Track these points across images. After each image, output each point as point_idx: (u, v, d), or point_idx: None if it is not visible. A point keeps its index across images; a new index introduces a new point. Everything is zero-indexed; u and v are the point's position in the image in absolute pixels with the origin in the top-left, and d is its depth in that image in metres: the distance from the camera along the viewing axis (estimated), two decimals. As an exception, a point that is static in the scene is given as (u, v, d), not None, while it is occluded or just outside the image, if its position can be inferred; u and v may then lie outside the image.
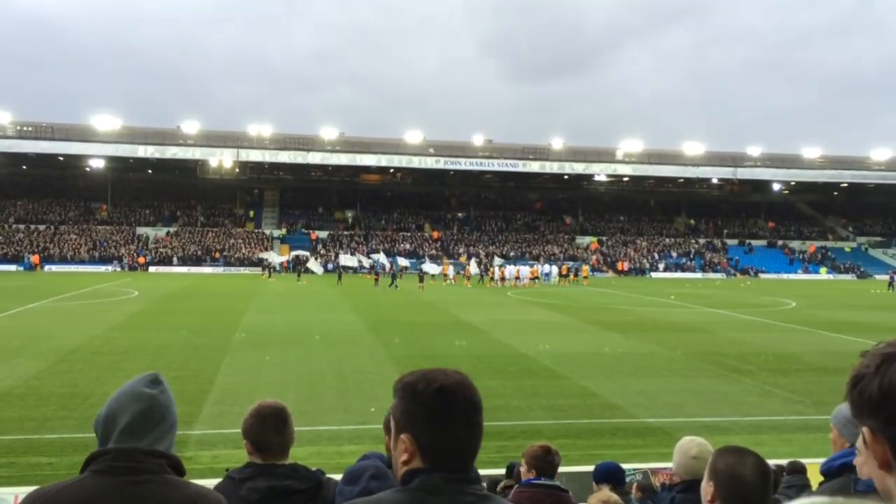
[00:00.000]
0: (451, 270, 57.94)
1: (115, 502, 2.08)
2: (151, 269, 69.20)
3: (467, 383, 1.86)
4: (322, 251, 77.50)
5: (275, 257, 67.99)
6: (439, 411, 1.79)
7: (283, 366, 18.83)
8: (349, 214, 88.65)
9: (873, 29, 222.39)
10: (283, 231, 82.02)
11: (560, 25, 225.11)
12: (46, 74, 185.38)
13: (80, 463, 2.25)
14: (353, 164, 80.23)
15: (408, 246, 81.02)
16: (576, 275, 61.74)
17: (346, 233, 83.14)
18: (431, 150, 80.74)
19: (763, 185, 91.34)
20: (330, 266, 70.46)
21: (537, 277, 57.51)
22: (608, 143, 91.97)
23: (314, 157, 77.98)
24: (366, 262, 70.01)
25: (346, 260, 68.38)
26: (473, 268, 59.71)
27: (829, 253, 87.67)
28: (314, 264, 66.91)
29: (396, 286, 49.40)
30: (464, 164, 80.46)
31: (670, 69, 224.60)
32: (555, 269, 60.97)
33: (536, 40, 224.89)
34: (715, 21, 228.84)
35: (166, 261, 71.91)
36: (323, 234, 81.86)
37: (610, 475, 5.58)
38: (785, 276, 79.39)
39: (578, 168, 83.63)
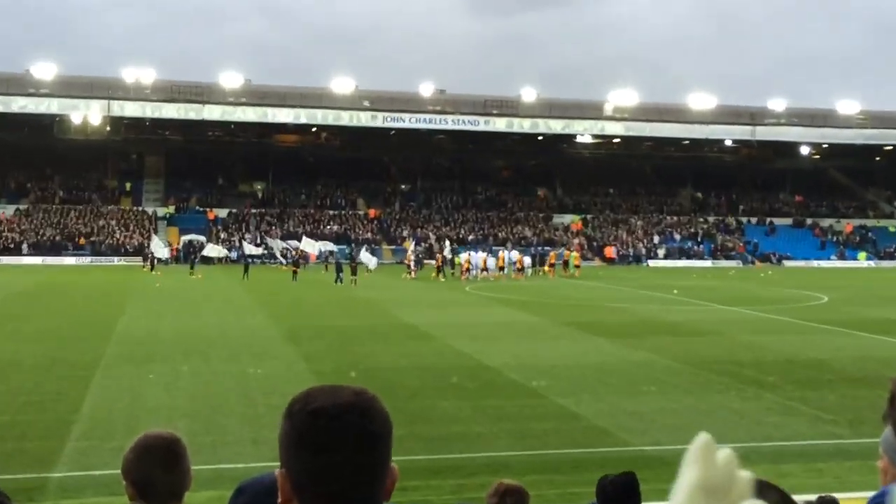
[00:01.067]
0: (412, 259, 57.90)
1: None
2: (-6, 259, 67.61)
3: (364, 406, 1.81)
4: (222, 235, 76.73)
5: (159, 244, 67.05)
6: (314, 441, 1.75)
7: (173, 386, 18.65)
8: (258, 187, 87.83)
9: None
10: (171, 209, 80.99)
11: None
12: None
13: None
14: (264, 121, 79.60)
15: (335, 227, 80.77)
16: (565, 265, 62.19)
17: (254, 211, 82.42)
18: (366, 104, 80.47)
19: (788, 149, 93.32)
20: (243, 251, 69.77)
21: (503, 268, 58.02)
22: (594, 95, 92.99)
23: (211, 112, 77.04)
24: (278, 249, 69.60)
25: (251, 249, 67.90)
26: (447, 253, 60.05)
27: (870, 234, 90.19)
28: (213, 249, 66.35)
29: (342, 281, 49.28)
30: (408, 122, 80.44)
31: (674, 1, 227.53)
32: (526, 258, 61.31)
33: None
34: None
35: (13, 249, 70.38)
36: (223, 213, 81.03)
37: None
38: (815, 262, 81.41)
39: (556, 126, 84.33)
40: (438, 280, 54.00)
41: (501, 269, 57.82)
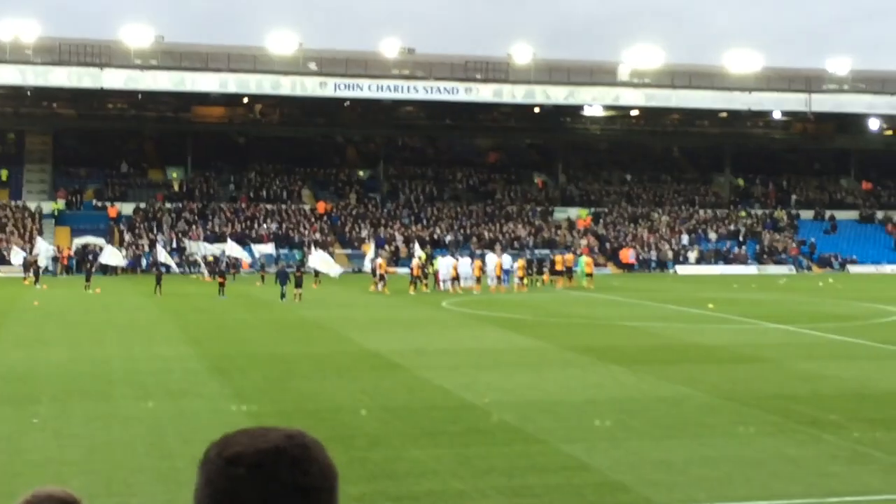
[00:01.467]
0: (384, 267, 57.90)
1: None
2: None
3: (295, 454, 1.82)
4: (127, 237, 76.39)
5: (45, 249, 66.81)
6: (230, 496, 1.77)
7: (64, 434, 18.48)
8: (174, 175, 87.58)
9: None
10: (60, 204, 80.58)
11: None
12: None
13: None
14: (181, 90, 79.23)
15: (274, 226, 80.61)
16: (568, 273, 62.17)
17: (168, 206, 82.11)
18: (313, 66, 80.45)
19: (853, 123, 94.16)
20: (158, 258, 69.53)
21: (479, 278, 57.94)
22: (607, 56, 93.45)
23: (113, 78, 76.72)
24: (200, 255, 69.40)
25: (165, 257, 67.55)
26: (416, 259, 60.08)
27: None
28: (111, 255, 66.01)
29: (286, 298, 49.01)
30: (367, 90, 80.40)
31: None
32: (517, 262, 61.27)
33: None
34: None
35: None
36: (128, 209, 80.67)
37: None
38: (888, 267, 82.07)
39: (558, 95, 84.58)
40: (413, 293, 54.04)
41: (478, 279, 57.63)
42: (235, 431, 1.87)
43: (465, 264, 58.91)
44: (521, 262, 60.23)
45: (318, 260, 61.08)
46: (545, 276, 62.72)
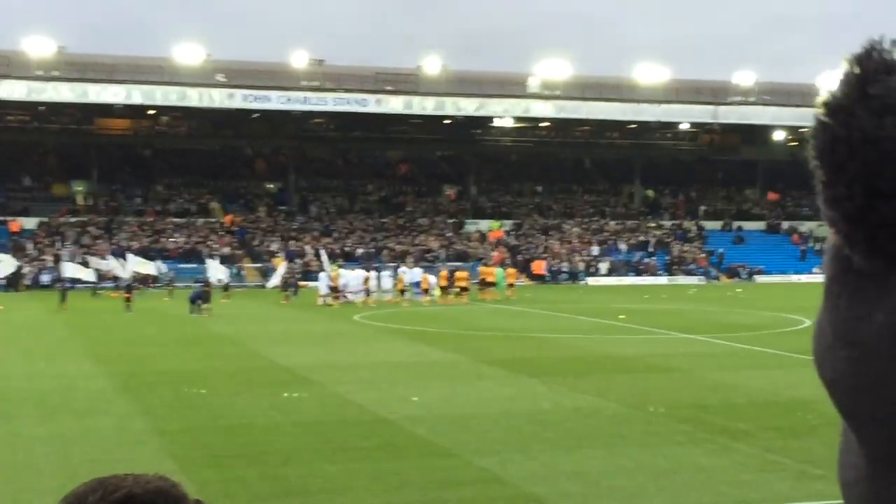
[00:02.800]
0: (274, 279, 57.84)
1: None
2: None
3: (175, 494, 1.83)
4: (31, 251, 75.06)
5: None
6: None
7: (-35, 455, 18.10)
8: (79, 188, 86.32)
9: None
10: (-41, 219, 79.00)
11: None
12: None
13: None
14: (84, 102, 78.19)
15: (181, 239, 79.76)
16: (485, 284, 62.00)
17: (73, 220, 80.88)
18: (220, 78, 79.86)
19: (759, 134, 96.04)
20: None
21: (404, 290, 58.19)
22: (517, 68, 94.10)
23: (13, 89, 75.53)
24: (105, 269, 68.52)
25: (73, 270, 66.51)
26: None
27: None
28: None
29: (199, 310, 48.45)
30: (276, 102, 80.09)
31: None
32: (432, 278, 60.83)
33: None
34: None
35: None
36: (31, 223, 79.34)
37: None
38: (794, 277, 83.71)
39: (468, 107, 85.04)
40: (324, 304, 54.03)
41: (402, 291, 57.92)
42: (97, 479, 1.85)
43: (370, 276, 58.65)
44: (424, 276, 60.00)
45: (215, 269, 61.00)
46: (454, 292, 61.72)
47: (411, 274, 60.92)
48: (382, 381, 26.86)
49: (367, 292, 57.27)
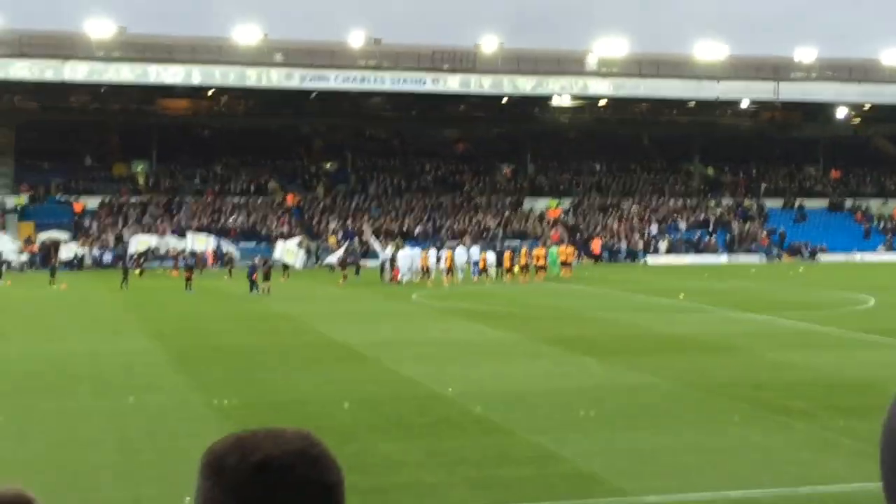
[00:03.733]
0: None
1: None
2: None
3: (314, 454, 1.84)
4: (93, 231, 75.96)
5: (8, 244, 66.37)
6: (261, 501, 1.78)
7: (25, 431, 18.37)
8: (139, 168, 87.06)
9: None
10: (24, 199, 79.98)
11: None
12: None
13: None
14: (145, 83, 78.73)
15: (241, 219, 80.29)
16: (539, 265, 61.73)
17: (134, 199, 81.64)
18: (279, 58, 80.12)
19: (821, 111, 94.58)
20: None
21: (451, 269, 57.77)
22: (574, 45, 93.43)
23: (75, 71, 76.16)
24: (168, 248, 69.18)
25: (139, 243, 67.37)
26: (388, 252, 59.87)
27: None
28: (67, 249, 65.67)
29: (259, 290, 48.76)
30: (334, 81, 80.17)
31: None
32: (490, 255, 60.57)
33: None
34: None
35: None
36: (94, 203, 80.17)
37: None
38: (857, 255, 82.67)
39: (525, 85, 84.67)
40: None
41: (450, 270, 57.54)
42: (246, 436, 1.87)
43: (427, 255, 58.51)
44: (483, 255, 59.77)
45: (282, 251, 61.18)
46: (516, 269, 61.47)
47: (469, 253, 60.79)
48: (439, 358, 26.88)
49: (426, 271, 57.29)
